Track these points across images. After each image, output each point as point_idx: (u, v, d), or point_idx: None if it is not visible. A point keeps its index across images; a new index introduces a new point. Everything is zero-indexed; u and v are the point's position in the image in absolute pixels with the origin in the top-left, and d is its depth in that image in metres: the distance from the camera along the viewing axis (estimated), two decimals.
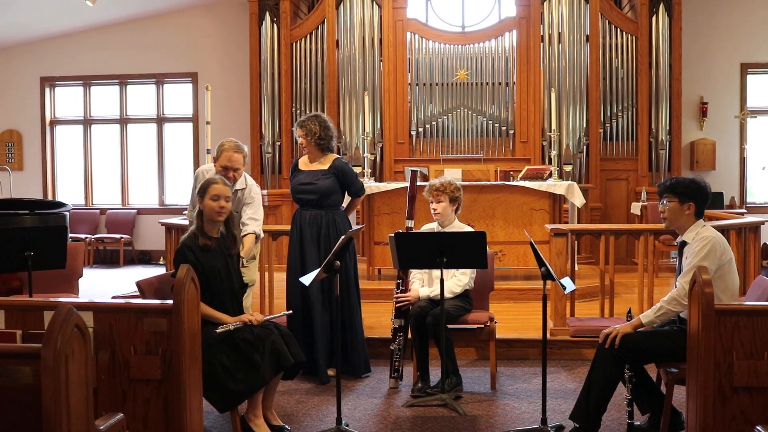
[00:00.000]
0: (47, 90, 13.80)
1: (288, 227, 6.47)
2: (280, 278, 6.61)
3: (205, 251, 4.76)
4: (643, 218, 10.72)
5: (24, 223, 7.61)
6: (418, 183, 6.25)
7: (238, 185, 5.87)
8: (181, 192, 13.30)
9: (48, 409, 2.66)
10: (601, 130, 11.50)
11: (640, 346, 4.49)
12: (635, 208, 11.10)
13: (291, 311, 5.72)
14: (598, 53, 11.43)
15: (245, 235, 5.79)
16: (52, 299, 5.02)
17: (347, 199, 6.36)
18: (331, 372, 6.04)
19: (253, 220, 5.87)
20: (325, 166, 6.13)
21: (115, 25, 13.28)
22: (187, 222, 6.42)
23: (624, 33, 11.49)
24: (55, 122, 13.95)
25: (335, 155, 6.23)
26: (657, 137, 11.37)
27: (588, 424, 4.55)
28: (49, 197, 13.46)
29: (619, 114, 11.54)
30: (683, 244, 4.62)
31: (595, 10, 11.39)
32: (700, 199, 4.60)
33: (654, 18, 11.37)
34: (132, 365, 3.91)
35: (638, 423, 4.76)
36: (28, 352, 2.79)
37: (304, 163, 6.24)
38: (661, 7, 11.34)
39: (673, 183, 4.65)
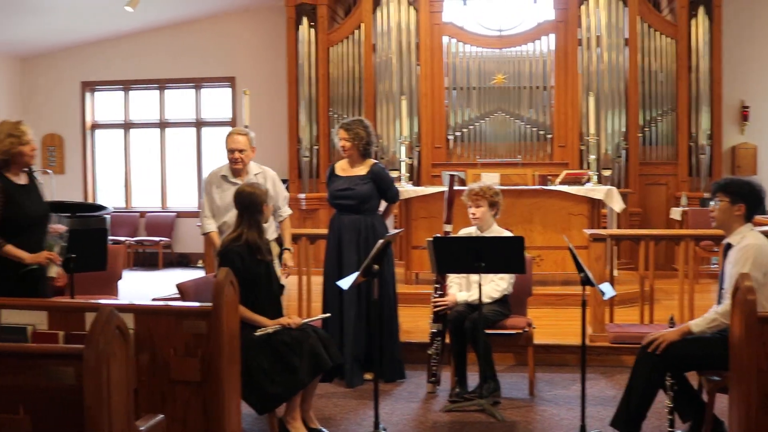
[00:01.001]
0: (88, 94, 13.97)
1: (326, 231, 6.49)
2: (317, 282, 6.62)
3: (251, 253, 4.79)
4: (683, 223, 10.59)
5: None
6: (456, 187, 6.24)
7: (253, 170, 6.04)
8: None
9: (90, 409, 2.68)
10: (640, 135, 11.38)
11: (681, 354, 4.42)
12: (675, 213, 10.98)
13: (329, 314, 5.74)
14: (637, 57, 11.32)
15: (283, 220, 6.15)
16: (93, 301, 5.08)
17: (383, 203, 6.37)
18: (367, 376, 6.05)
19: (285, 200, 6.23)
20: (363, 172, 6.14)
21: (154, 30, 13.42)
22: (203, 232, 6.35)
23: (663, 36, 11.36)
24: (95, 126, 14.12)
25: (373, 160, 6.25)
26: (697, 141, 11.23)
27: (628, 431, 4.49)
28: (90, 200, 13.61)
29: (659, 118, 11.41)
30: (728, 246, 4.54)
31: (633, 14, 11.27)
32: (751, 202, 4.50)
33: (694, 21, 11.22)
34: (172, 367, 3.93)
35: (679, 431, 4.70)
36: (71, 353, 2.82)
37: (341, 169, 6.25)
38: (701, 10, 11.19)
39: (726, 182, 4.57)
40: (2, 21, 11.84)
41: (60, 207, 8.60)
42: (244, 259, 4.75)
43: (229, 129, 13.23)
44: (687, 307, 6.70)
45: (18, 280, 4.79)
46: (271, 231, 5.84)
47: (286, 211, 6.21)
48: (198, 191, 13.73)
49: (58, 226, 5.08)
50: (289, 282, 6.02)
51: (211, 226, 6.10)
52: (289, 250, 6.05)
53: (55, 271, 5.01)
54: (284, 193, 6.28)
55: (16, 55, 13.73)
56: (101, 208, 9.10)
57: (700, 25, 11.18)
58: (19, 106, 13.66)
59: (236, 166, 5.99)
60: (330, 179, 6.29)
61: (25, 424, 2.77)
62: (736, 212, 4.49)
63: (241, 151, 5.94)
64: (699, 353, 4.44)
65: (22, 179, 4.94)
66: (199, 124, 13.81)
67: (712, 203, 4.61)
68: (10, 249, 4.73)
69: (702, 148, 11.18)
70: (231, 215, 5.41)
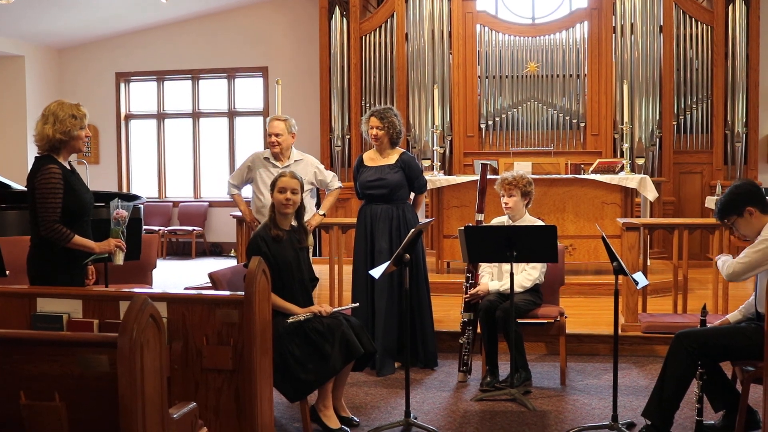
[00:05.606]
0: (122, 85, 14.09)
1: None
2: (349, 271, 6.63)
3: (277, 242, 4.83)
4: None
5: (100, 215, 7.73)
6: (488, 176, 6.22)
7: (294, 156, 6.59)
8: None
9: (124, 396, 2.71)
10: (675, 123, 11.27)
11: (715, 343, 4.40)
12: (710, 202, 10.85)
13: (357, 304, 5.75)
14: (672, 44, 11.20)
15: (332, 191, 6.67)
16: (127, 290, 5.12)
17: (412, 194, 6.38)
18: (396, 364, 6.07)
19: (334, 177, 6.74)
20: (392, 161, 6.15)
21: (187, 21, 13.50)
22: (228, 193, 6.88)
23: (699, 23, 11.22)
24: (129, 116, 14.24)
25: (401, 149, 6.25)
26: (733, 129, 11.09)
27: (660, 421, 4.47)
28: (124, 190, 13.75)
29: (694, 106, 11.28)
30: None
31: (669, 0, 11.15)
32: (754, 199, 4.45)
33: (730, 7, 11.07)
34: (204, 355, 3.96)
35: (712, 422, 4.67)
36: (105, 341, 2.84)
37: (369, 159, 6.26)
38: None
39: (720, 209, 4.52)
40: (40, 13, 11.97)
41: (95, 197, 8.66)
42: (269, 245, 4.79)
43: (261, 119, 13.44)
44: (721, 296, 6.63)
45: (80, 270, 4.64)
46: (308, 216, 6.00)
47: (336, 184, 6.71)
48: None
49: (121, 212, 4.95)
50: (321, 271, 6.05)
51: (235, 190, 6.75)
52: (321, 214, 6.57)
53: (121, 258, 4.77)
54: (330, 174, 6.75)
55: (52, 46, 13.89)
56: (135, 197, 9.15)
57: (737, 11, 11.03)
58: (56, 97, 13.67)
59: (273, 149, 6.52)
60: (358, 170, 6.29)
61: (60, 411, 2.81)
62: (752, 217, 4.43)
63: (277, 135, 6.45)
64: (733, 343, 4.41)
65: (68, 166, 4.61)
66: (231, 114, 13.88)
67: (733, 234, 4.57)
68: (78, 239, 4.49)
69: (738, 136, 11.05)
70: None
